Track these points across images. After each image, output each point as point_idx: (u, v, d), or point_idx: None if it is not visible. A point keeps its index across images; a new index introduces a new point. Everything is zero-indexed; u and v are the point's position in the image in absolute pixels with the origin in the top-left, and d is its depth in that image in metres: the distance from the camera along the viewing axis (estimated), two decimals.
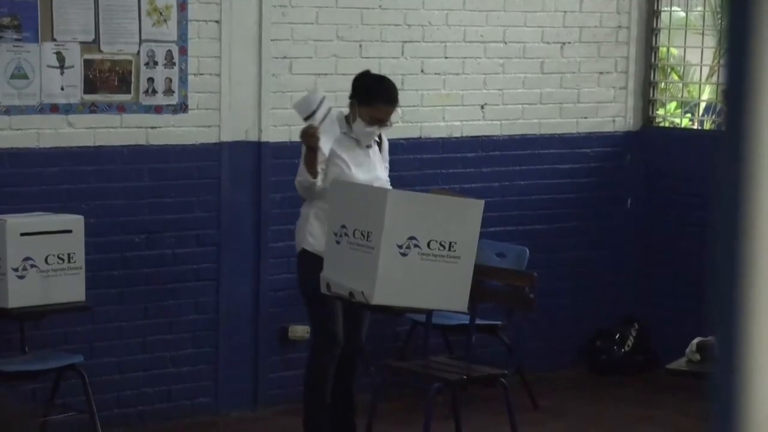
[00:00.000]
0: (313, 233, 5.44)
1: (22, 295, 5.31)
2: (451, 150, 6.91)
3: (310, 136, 5.33)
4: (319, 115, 5.35)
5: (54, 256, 5.39)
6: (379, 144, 5.56)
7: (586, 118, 7.37)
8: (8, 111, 5.76)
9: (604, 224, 7.41)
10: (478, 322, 5.88)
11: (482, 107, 7.03)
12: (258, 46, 6.30)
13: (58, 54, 5.86)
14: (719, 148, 1.04)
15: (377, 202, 5.25)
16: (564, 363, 7.28)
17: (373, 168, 5.50)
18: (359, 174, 5.45)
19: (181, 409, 6.21)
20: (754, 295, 1.02)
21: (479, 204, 5.46)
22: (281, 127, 6.41)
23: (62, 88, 5.88)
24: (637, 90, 7.49)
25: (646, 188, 7.44)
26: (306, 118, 5.36)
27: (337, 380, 5.50)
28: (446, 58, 6.87)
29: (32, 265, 5.33)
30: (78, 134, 5.91)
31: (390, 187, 5.44)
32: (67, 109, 5.90)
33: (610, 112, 7.44)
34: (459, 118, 6.95)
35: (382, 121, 5.43)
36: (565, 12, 7.24)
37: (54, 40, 5.85)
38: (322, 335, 5.46)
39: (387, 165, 5.61)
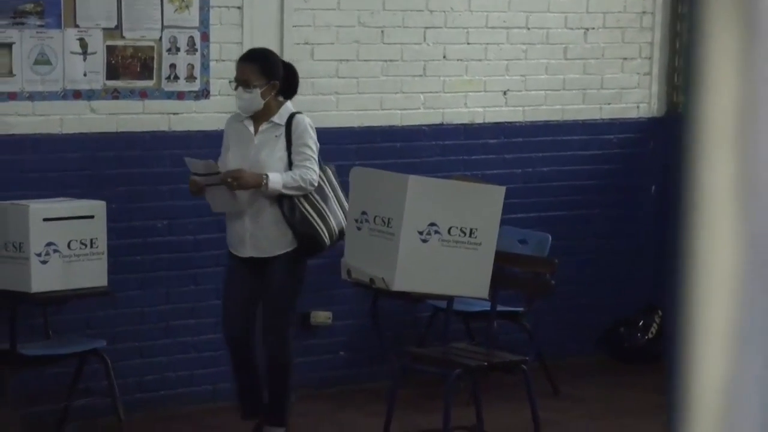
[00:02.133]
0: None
1: (45, 280, 5.34)
2: (473, 136, 6.90)
3: (195, 192, 5.40)
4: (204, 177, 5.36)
5: (76, 241, 5.42)
6: (289, 127, 5.38)
7: (609, 104, 7.34)
8: (31, 97, 5.79)
9: (627, 211, 7.38)
10: (499, 308, 5.87)
11: (505, 93, 7.00)
12: (280, 32, 6.30)
13: (81, 40, 5.88)
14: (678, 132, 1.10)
15: (398, 188, 5.25)
16: (585, 350, 7.27)
17: (252, 152, 5.37)
18: (231, 160, 5.38)
19: (203, 394, 6.23)
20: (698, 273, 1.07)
21: (500, 190, 5.45)
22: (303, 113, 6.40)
23: (85, 74, 5.90)
24: (661, 76, 7.44)
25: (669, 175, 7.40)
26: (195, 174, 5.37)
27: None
28: (468, 44, 6.85)
29: (55, 251, 5.36)
30: (100, 120, 5.93)
31: (281, 173, 5.30)
32: (90, 95, 5.92)
33: (634, 98, 7.40)
34: (481, 104, 6.93)
35: (242, 82, 5.34)
36: None
37: (77, 26, 5.86)
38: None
39: (302, 150, 5.34)
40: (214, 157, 5.47)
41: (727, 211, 1.05)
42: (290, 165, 5.36)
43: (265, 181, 5.28)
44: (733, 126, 1.05)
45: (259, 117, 5.39)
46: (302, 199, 5.37)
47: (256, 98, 5.34)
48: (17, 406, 5.44)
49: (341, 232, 5.48)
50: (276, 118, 5.39)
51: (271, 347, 5.44)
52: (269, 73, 5.35)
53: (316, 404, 6.37)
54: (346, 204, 5.51)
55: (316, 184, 5.38)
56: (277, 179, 5.30)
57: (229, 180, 5.27)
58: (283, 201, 5.35)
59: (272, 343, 5.43)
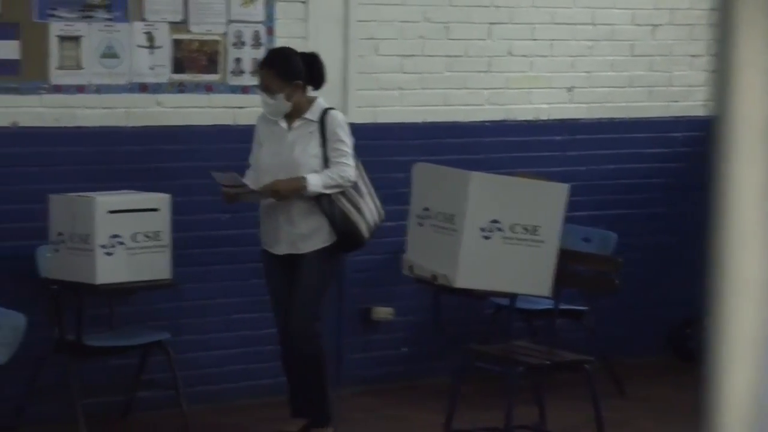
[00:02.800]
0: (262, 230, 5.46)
1: (110, 271, 5.38)
2: (537, 133, 6.86)
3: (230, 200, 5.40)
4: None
5: (141, 233, 5.46)
6: (322, 127, 5.33)
7: (676, 101, 7.26)
8: (99, 90, 5.84)
9: (692, 210, 7.29)
10: (562, 306, 5.82)
11: (569, 90, 6.95)
12: (344, 27, 6.30)
13: (148, 34, 5.92)
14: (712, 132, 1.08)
15: (460, 184, 5.23)
16: (650, 349, 7.19)
17: (285, 149, 5.33)
18: (264, 156, 5.36)
19: (263, 388, 6.25)
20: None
21: (564, 188, 5.40)
22: (366, 108, 6.41)
23: (151, 68, 5.94)
24: None
25: None
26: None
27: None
28: (534, 40, 6.81)
29: (120, 243, 5.40)
30: (166, 113, 5.97)
31: (316, 171, 5.27)
32: (156, 89, 5.96)
33: (701, 96, 7.32)
34: (545, 100, 6.89)
35: (264, 88, 5.31)
36: None
37: (144, 20, 5.91)
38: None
39: (338, 146, 5.31)
40: (240, 169, 5.45)
41: (758, 216, 1.04)
42: (325, 161, 5.32)
43: (304, 184, 5.26)
44: (765, 130, 1.03)
45: (292, 114, 5.35)
46: (340, 196, 5.35)
47: (281, 103, 5.30)
48: (82, 396, 5.49)
49: (376, 226, 5.48)
50: (309, 115, 5.35)
51: (296, 340, 5.38)
52: (289, 75, 5.27)
53: (377, 400, 6.37)
54: (377, 200, 5.49)
55: (353, 180, 5.36)
56: (316, 181, 5.27)
57: (270, 193, 5.27)
58: (321, 199, 5.33)
59: (298, 336, 5.36)
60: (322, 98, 5.42)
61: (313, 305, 5.39)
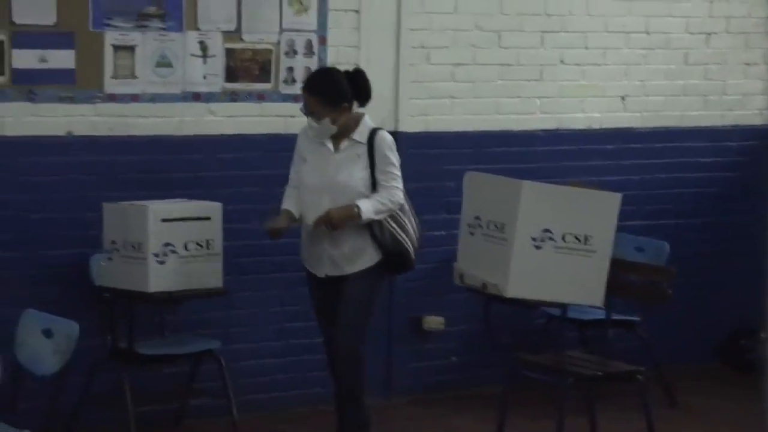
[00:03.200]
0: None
1: (162, 279, 5.42)
2: (590, 142, 6.83)
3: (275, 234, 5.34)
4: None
5: (193, 242, 5.49)
6: (371, 146, 5.23)
7: (731, 110, 7.20)
8: (153, 99, 5.89)
9: (747, 219, 7.22)
10: (615, 317, 5.79)
11: (623, 98, 6.92)
12: (396, 36, 6.31)
13: (201, 43, 5.97)
14: None
15: (512, 193, 5.21)
16: (704, 360, 7.13)
17: (331, 171, 5.22)
18: (309, 175, 5.27)
19: (315, 396, 6.26)
20: None
21: (616, 197, 5.37)
22: (418, 117, 6.41)
23: (204, 77, 5.98)
24: None
25: None
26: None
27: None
28: (587, 48, 6.78)
29: (172, 251, 5.43)
30: (219, 122, 6.00)
31: (363, 193, 5.18)
32: (209, 98, 6.00)
33: (756, 104, 7.25)
34: (599, 109, 6.86)
35: (310, 113, 5.19)
36: (711, 2, 7.08)
37: (197, 29, 5.95)
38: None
39: (388, 169, 5.21)
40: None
41: None
42: (373, 184, 5.21)
43: (358, 212, 5.15)
44: None
45: (338, 134, 5.23)
46: (389, 218, 5.26)
47: (326, 126, 5.18)
48: (134, 404, 5.53)
49: (419, 244, 5.39)
50: (357, 136, 5.23)
51: (339, 363, 5.27)
52: (335, 101, 5.15)
53: (428, 409, 6.37)
54: (415, 217, 5.38)
55: (402, 203, 5.28)
56: (368, 208, 5.17)
57: (324, 225, 5.18)
58: (372, 224, 5.23)
59: (341, 359, 5.25)
60: (368, 116, 5.32)
61: (358, 327, 5.24)
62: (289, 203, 5.36)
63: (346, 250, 5.24)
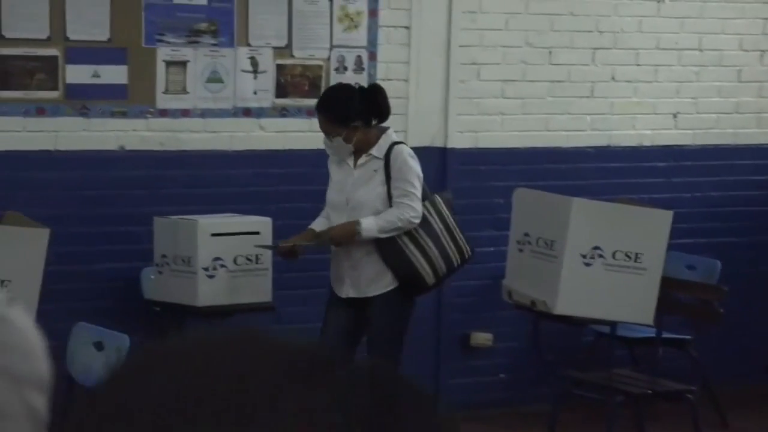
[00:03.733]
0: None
1: (211, 294, 5.44)
2: (641, 159, 6.78)
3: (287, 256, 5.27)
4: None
5: (242, 256, 5.51)
6: (387, 163, 5.07)
7: None
8: (203, 114, 5.93)
9: None
10: (665, 335, 5.74)
11: (675, 116, 6.87)
12: (446, 52, 6.31)
13: (252, 59, 6.00)
14: None
15: (562, 210, 5.19)
16: (756, 380, 7.04)
17: (350, 188, 5.11)
18: (332, 193, 5.19)
19: None
20: None
21: (667, 215, 5.34)
22: (467, 134, 6.40)
23: (255, 92, 6.01)
24: None
25: None
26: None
27: None
28: (638, 65, 6.74)
29: (222, 265, 5.46)
30: (268, 138, 6.03)
31: (380, 210, 5.04)
32: (259, 113, 6.03)
33: None
34: (650, 126, 6.81)
35: (324, 132, 5.10)
36: (765, 19, 7.02)
37: (248, 45, 5.99)
38: None
39: (401, 185, 5.03)
40: None
41: None
42: (390, 200, 5.06)
43: (357, 229, 5.02)
44: None
45: (358, 150, 5.10)
46: (404, 237, 5.07)
47: (341, 145, 5.07)
48: None
49: (451, 269, 5.12)
50: (375, 151, 5.06)
51: None
52: (344, 119, 5.00)
53: (476, 426, 6.33)
54: (460, 235, 5.15)
55: (417, 221, 5.04)
56: (371, 226, 5.02)
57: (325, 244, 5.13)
58: (381, 242, 5.07)
59: None
60: (392, 129, 5.17)
61: (390, 355, 5.01)
62: (316, 221, 5.30)
63: (366, 271, 5.10)
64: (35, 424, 1.29)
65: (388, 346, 5.06)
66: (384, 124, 5.16)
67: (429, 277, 5.10)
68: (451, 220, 5.17)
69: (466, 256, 5.18)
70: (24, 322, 1.27)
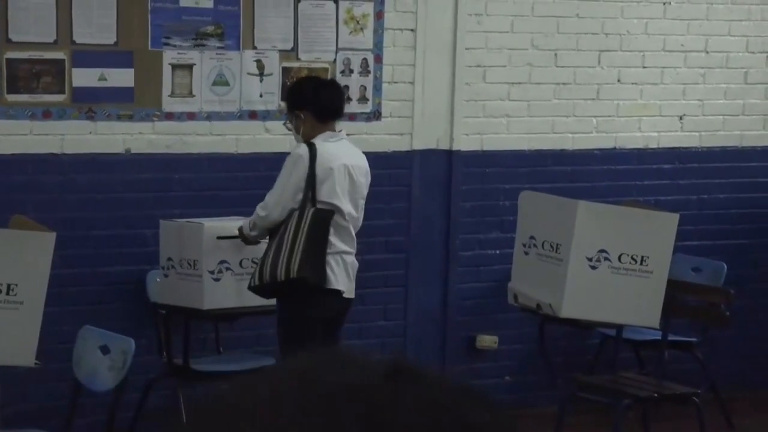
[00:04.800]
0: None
1: (217, 297, 5.44)
2: (647, 161, 6.77)
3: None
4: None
5: (248, 259, 5.50)
6: None
7: None
8: (209, 117, 5.93)
9: None
10: (671, 338, 5.73)
11: (681, 118, 6.86)
12: (452, 55, 6.31)
13: (258, 62, 6.00)
14: None
15: (567, 213, 5.19)
16: (762, 382, 7.03)
17: None
18: None
19: None
20: None
21: (674, 217, 5.33)
22: (473, 136, 6.40)
23: (261, 95, 6.02)
24: None
25: None
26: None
27: None
28: (644, 67, 6.73)
29: (227, 268, 5.46)
30: (275, 140, 6.03)
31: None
32: (265, 116, 6.03)
33: None
34: (656, 128, 6.81)
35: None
36: None
37: (254, 48, 5.99)
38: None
39: None
40: None
41: None
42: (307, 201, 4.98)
43: (242, 231, 5.23)
44: None
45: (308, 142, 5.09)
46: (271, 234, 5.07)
47: (293, 132, 5.15)
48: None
49: (274, 278, 4.94)
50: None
51: None
52: (290, 106, 5.10)
53: None
54: (299, 256, 4.91)
55: (263, 215, 5.03)
56: (244, 226, 5.20)
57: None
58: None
59: None
60: (342, 134, 5.11)
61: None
62: None
63: None
64: None
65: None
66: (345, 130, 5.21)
67: (253, 279, 5.07)
68: (303, 238, 4.96)
69: (291, 275, 4.93)
70: None
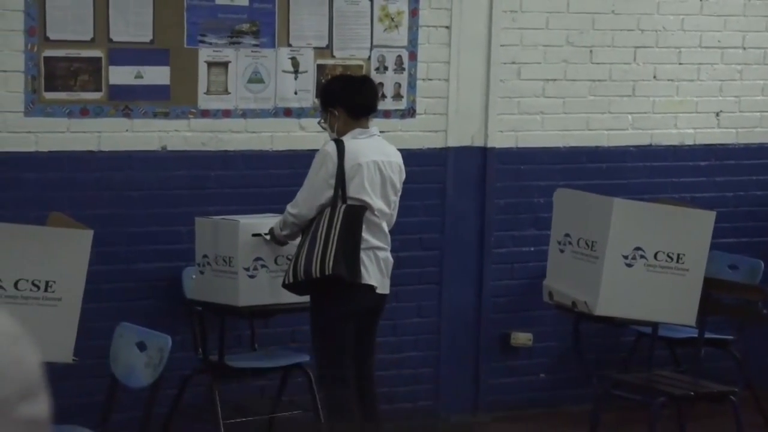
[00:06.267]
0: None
1: (253, 294, 5.46)
2: (683, 158, 6.74)
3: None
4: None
5: (283, 256, 5.51)
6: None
7: None
8: (244, 114, 5.96)
9: None
10: (707, 335, 5.71)
11: (717, 114, 6.82)
12: (487, 51, 6.30)
13: (293, 59, 6.01)
14: None
15: (603, 210, 5.17)
16: None
17: None
18: None
19: (402, 411, 6.27)
20: None
21: (710, 215, 5.30)
22: (507, 133, 6.39)
23: (296, 93, 6.03)
24: None
25: None
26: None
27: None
28: (680, 64, 6.70)
29: (262, 265, 5.47)
30: (309, 138, 6.04)
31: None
32: (300, 113, 6.05)
33: None
34: (692, 125, 6.77)
35: None
36: None
37: (289, 45, 6.00)
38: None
39: None
40: None
41: None
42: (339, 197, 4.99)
43: (272, 232, 5.28)
44: None
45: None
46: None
47: (326, 129, 5.15)
48: (224, 416, 5.58)
49: (308, 275, 4.94)
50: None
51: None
52: (323, 103, 5.15)
53: (516, 426, 6.33)
54: (333, 253, 4.92)
55: (292, 210, 5.07)
56: (275, 227, 5.26)
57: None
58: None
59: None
60: (375, 130, 5.12)
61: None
62: None
63: None
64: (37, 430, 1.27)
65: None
66: (377, 127, 5.22)
67: (287, 277, 5.07)
68: (337, 234, 4.95)
69: (327, 272, 4.94)
70: None
